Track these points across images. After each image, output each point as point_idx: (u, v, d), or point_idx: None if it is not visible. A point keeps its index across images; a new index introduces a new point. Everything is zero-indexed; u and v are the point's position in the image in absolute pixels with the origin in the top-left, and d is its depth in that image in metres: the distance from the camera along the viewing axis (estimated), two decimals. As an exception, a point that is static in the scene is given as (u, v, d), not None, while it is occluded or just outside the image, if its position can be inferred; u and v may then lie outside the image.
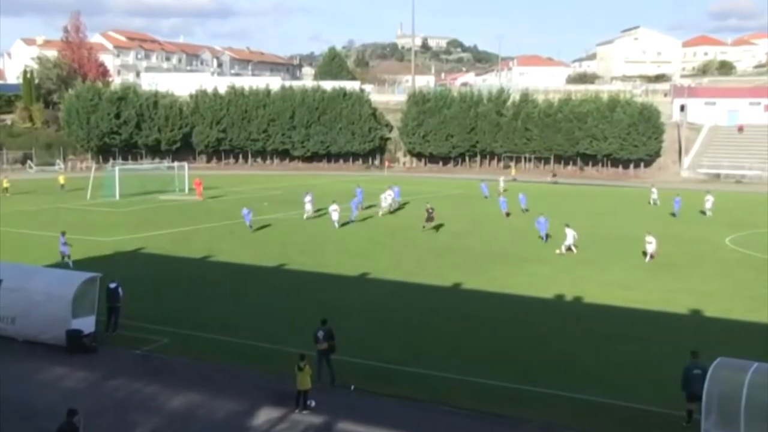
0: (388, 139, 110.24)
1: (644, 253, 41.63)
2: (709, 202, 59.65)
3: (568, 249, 43.21)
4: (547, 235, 46.26)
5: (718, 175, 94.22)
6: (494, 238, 48.69)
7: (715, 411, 17.46)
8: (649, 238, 41.73)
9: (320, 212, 55.68)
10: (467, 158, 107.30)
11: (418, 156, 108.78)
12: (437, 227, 51.05)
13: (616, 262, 41.15)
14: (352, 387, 22.15)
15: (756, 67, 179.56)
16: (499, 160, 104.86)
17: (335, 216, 51.49)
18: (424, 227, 50.51)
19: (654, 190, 69.34)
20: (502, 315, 30.53)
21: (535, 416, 20.40)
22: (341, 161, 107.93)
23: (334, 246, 45.00)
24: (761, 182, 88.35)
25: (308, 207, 55.82)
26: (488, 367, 24.02)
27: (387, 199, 59.32)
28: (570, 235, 43.52)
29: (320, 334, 22.59)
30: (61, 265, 35.59)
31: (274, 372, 23.13)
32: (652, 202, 67.08)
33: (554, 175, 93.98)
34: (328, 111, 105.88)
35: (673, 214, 58.43)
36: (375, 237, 48.47)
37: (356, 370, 23.45)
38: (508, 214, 56.83)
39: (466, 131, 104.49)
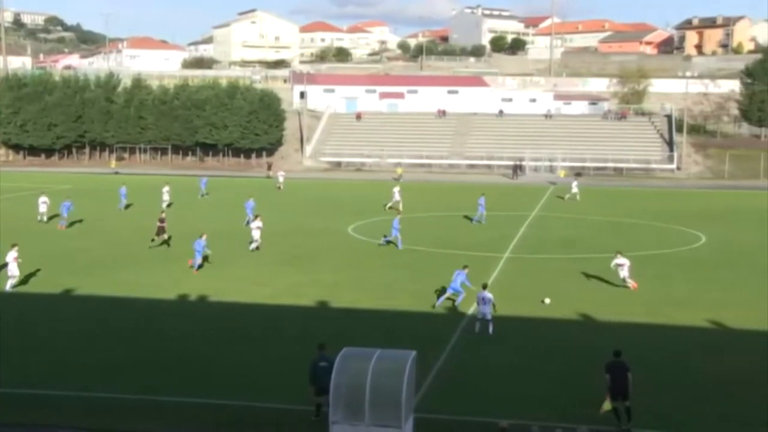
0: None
1: (624, 279, 34.59)
2: None
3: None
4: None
5: (339, 163, 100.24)
6: (116, 238, 47.51)
7: (343, 402, 18.55)
8: (621, 260, 34.53)
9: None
10: (74, 150, 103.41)
11: (16, 148, 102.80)
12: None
13: (251, 257, 42.24)
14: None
15: (370, 54, 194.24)
16: (111, 152, 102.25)
17: None
18: (153, 241, 44.71)
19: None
20: (125, 322, 29.84)
21: (159, 427, 20.41)
22: None
23: None
24: (380, 169, 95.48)
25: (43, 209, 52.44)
26: (107, 381, 23.39)
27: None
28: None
29: None
30: None
31: None
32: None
33: (269, 168, 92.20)
34: None
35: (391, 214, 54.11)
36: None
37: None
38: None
39: (72, 120, 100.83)
